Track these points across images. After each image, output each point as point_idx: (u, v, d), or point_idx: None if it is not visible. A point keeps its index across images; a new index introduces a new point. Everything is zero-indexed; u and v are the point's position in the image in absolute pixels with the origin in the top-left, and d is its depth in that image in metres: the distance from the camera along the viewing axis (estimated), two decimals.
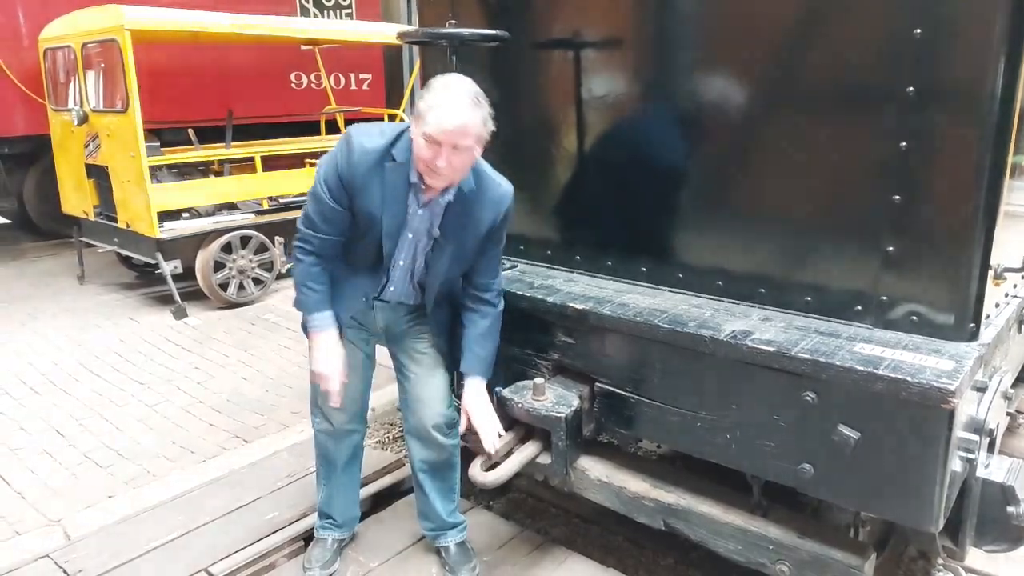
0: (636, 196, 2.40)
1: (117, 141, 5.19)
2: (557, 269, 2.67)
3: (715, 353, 1.96)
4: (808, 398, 1.83)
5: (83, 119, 5.43)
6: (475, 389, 2.16)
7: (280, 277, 5.80)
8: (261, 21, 5.73)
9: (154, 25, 5.06)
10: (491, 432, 2.11)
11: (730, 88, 2.14)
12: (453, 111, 1.79)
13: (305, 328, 2.18)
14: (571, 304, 2.26)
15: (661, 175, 2.33)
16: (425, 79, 3.06)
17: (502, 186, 2.10)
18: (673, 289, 2.35)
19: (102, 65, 5.28)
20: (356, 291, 2.16)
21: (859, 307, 1.99)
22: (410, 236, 2.06)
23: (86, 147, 5.56)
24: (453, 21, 2.53)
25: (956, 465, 1.76)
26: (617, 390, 2.25)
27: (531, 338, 2.47)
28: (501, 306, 2.24)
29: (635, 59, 2.37)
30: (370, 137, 1.95)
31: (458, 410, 2.24)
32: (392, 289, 2.17)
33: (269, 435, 3.47)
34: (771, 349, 1.86)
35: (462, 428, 2.19)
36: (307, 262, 2.06)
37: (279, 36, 5.97)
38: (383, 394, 3.73)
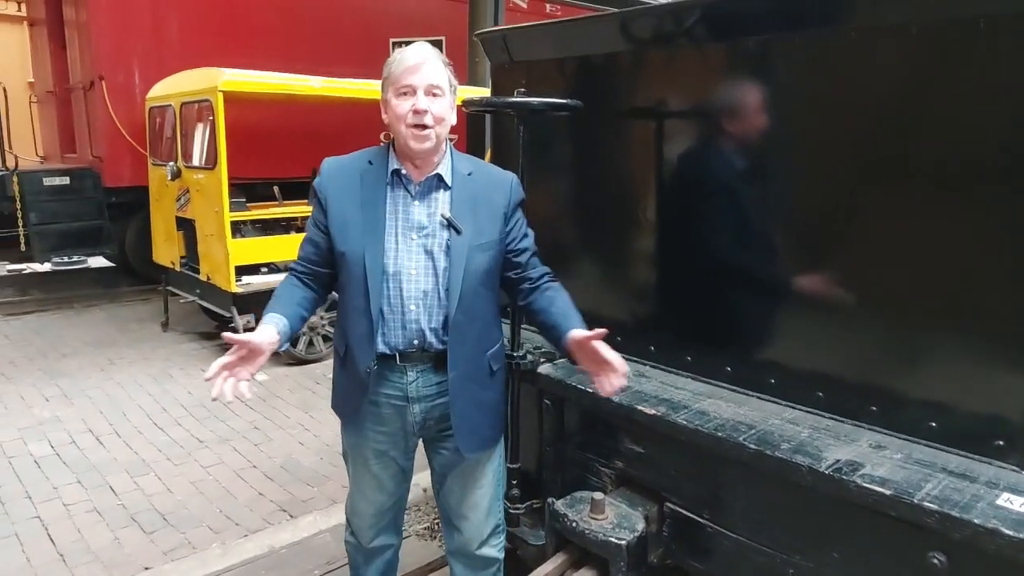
0: (723, 282, 2.10)
1: (205, 196, 5.34)
2: (628, 360, 2.35)
3: (814, 487, 1.62)
4: (935, 561, 1.45)
5: (176, 174, 5.65)
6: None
7: None
8: (347, 84, 5.84)
9: (246, 87, 5.22)
10: (620, 363, 1.75)
11: (839, 163, 1.84)
12: (412, 53, 1.76)
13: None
14: (640, 407, 1.97)
15: (754, 260, 2.03)
16: (496, 147, 2.91)
17: (505, 171, 1.98)
18: (763, 396, 2.01)
19: (197, 123, 5.49)
20: (364, 355, 1.81)
21: (1001, 441, 1.59)
22: (414, 238, 1.80)
23: (178, 200, 5.76)
24: (522, 89, 2.36)
25: None
26: (691, 514, 1.92)
27: (592, 440, 2.19)
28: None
29: (725, 130, 2.11)
30: (343, 156, 1.92)
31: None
32: (409, 314, 1.80)
33: (315, 511, 3.28)
34: (887, 492, 1.50)
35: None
36: (283, 281, 1.90)
37: (363, 97, 6.05)
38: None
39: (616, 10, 2.32)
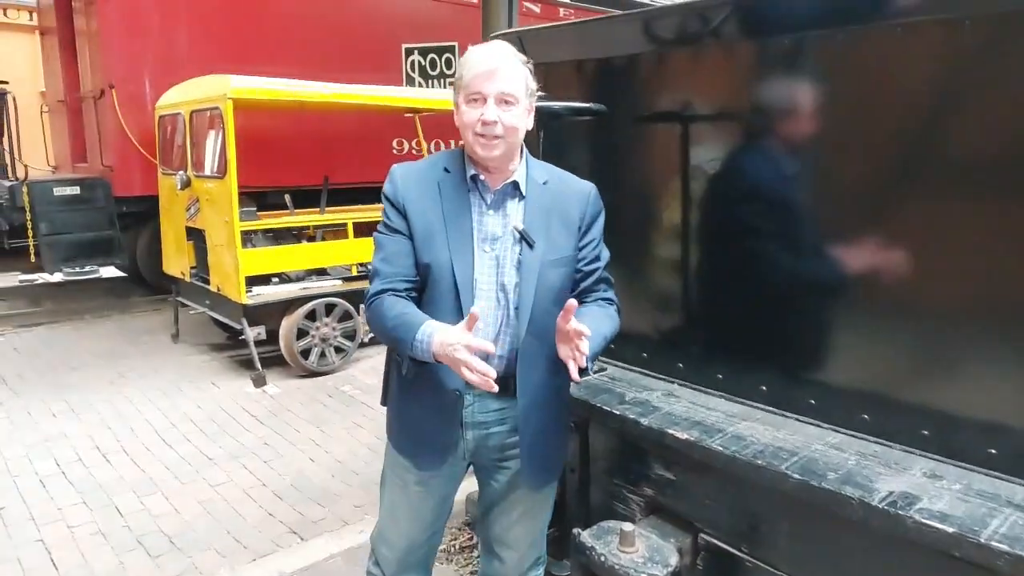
0: (757, 294, 1.97)
1: (214, 205, 5.25)
2: (655, 377, 2.26)
3: (865, 522, 1.48)
4: None
5: (186, 183, 5.57)
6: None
7: (363, 346, 5.65)
8: (358, 90, 5.74)
9: (256, 94, 5.14)
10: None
11: (885, 168, 1.71)
12: (486, 55, 1.63)
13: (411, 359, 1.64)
14: (670, 431, 1.85)
15: (791, 270, 1.90)
16: None
17: (583, 181, 1.84)
18: (803, 418, 1.88)
19: (207, 132, 5.41)
20: (441, 392, 1.68)
21: None
22: (487, 250, 1.68)
23: (188, 210, 5.68)
24: (542, 93, 2.24)
25: None
26: (727, 547, 1.79)
27: (621, 466, 2.06)
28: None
29: (755, 134, 1.99)
30: (413, 162, 1.80)
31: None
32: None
33: (326, 533, 3.16)
34: (949, 530, 1.37)
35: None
36: (383, 301, 1.66)
37: (373, 104, 5.97)
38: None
39: (641, 9, 2.21)
